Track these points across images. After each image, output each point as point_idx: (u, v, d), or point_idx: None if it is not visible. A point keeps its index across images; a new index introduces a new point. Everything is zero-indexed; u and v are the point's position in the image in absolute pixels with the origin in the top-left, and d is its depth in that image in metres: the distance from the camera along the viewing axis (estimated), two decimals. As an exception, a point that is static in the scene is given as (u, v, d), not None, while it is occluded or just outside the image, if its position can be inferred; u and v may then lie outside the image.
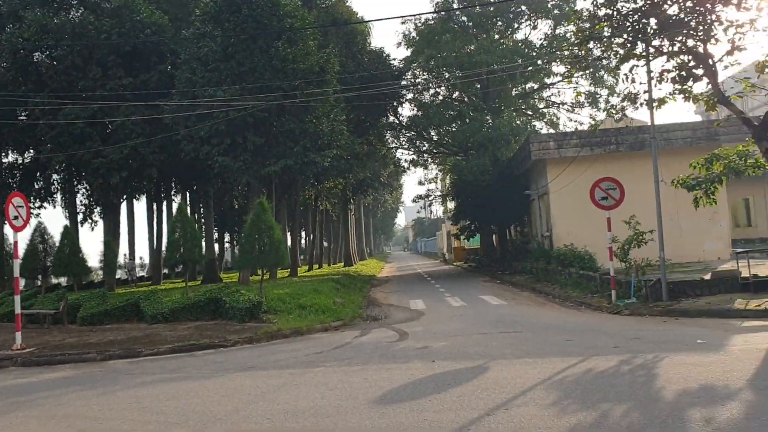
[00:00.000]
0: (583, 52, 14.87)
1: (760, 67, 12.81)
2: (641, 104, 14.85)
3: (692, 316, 13.14)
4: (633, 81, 14.39)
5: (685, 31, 13.31)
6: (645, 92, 14.80)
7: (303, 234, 53.49)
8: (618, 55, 14.55)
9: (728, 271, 15.93)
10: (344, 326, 15.44)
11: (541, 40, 38.61)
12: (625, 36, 14.05)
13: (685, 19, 13.32)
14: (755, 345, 9.64)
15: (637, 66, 14.32)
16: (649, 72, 14.69)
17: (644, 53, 14.41)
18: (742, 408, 6.11)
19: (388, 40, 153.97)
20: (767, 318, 12.03)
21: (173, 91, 24.59)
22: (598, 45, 14.69)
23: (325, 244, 57.13)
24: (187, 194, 36.27)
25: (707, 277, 15.80)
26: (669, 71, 14.08)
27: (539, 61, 36.55)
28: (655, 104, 14.94)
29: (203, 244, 24.52)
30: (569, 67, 36.51)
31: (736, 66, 13.59)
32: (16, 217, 13.95)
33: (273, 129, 24.57)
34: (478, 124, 34.60)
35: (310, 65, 24.73)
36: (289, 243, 34.93)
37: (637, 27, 13.77)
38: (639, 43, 14.09)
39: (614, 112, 14.93)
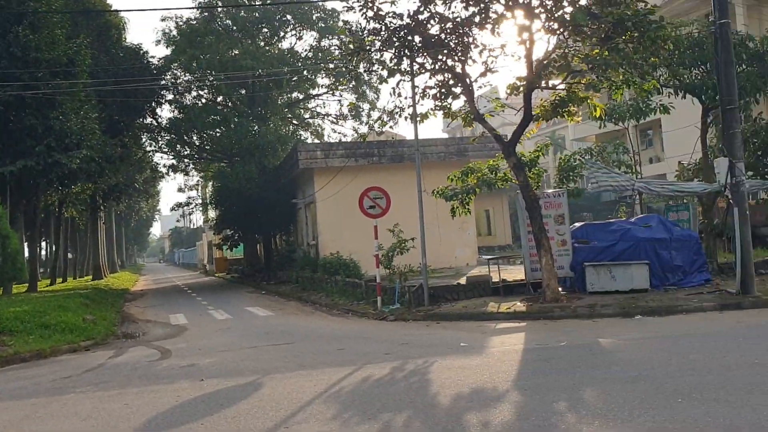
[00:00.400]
0: (353, 62, 15.10)
1: (511, 89, 14.01)
2: (406, 118, 15.48)
3: (451, 319, 13.85)
4: (399, 95, 14.94)
5: (445, 51, 14.07)
6: (410, 107, 15.42)
7: (44, 244, 48.19)
8: (385, 69, 14.98)
9: (481, 276, 17.17)
10: (96, 346, 13.93)
11: (306, 51, 39.08)
12: (392, 51, 14.50)
13: (446, 40, 14.10)
14: (511, 346, 10.35)
15: (404, 81, 14.87)
16: (413, 87, 15.31)
17: (409, 69, 15.01)
18: (513, 409, 6.38)
19: (147, 37, 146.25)
20: (516, 320, 13.05)
21: None
22: (365, 58, 14.98)
23: (71, 255, 52.01)
24: None
25: (463, 282, 16.90)
26: (431, 88, 14.83)
27: (305, 72, 36.92)
28: (418, 119, 15.64)
29: None
30: (334, 79, 37.65)
31: (489, 86, 14.73)
32: None
33: (10, 125, 21.64)
34: (243, 130, 33.87)
35: (56, 55, 22.21)
36: (27, 254, 31.05)
37: (404, 43, 14.28)
38: (405, 58, 14.65)
39: (382, 123, 15.36)
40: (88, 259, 50.57)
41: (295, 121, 43.02)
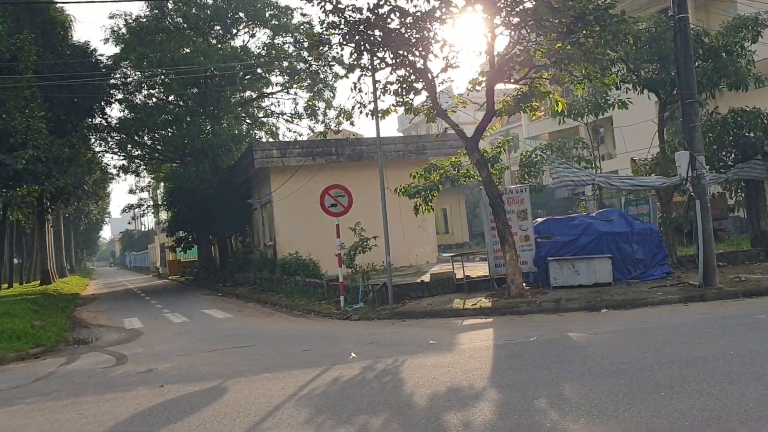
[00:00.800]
0: (312, 57, 14.76)
1: (473, 84, 13.87)
2: (367, 114, 15.21)
3: (417, 317, 13.65)
4: (360, 90, 14.67)
5: (406, 45, 13.86)
6: (371, 102, 15.16)
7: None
8: (342, 67, 14.70)
9: (445, 273, 17.02)
10: (46, 353, 13.27)
11: (259, 49, 38.42)
12: (352, 45, 14.21)
13: (407, 34, 13.87)
14: (481, 343, 10.18)
15: (365, 76, 14.60)
16: (374, 83, 15.05)
17: (369, 64, 14.75)
18: (493, 408, 6.17)
19: (95, 35, 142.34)
20: (483, 316, 12.93)
21: None
22: (324, 53, 14.65)
23: (17, 260, 50.14)
24: None
25: (427, 279, 16.73)
26: (392, 83, 14.60)
27: (258, 70, 36.31)
28: (379, 115, 15.39)
29: None
30: (288, 77, 37.15)
31: (450, 82, 14.62)
32: None
33: (-51, 123, 20.62)
34: (196, 130, 33.05)
35: (-2, 51, 21.30)
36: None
37: (364, 37, 13.99)
38: (365, 53, 14.37)
39: (340, 122, 15.09)
40: (36, 263, 48.96)
41: (248, 120, 42.31)
